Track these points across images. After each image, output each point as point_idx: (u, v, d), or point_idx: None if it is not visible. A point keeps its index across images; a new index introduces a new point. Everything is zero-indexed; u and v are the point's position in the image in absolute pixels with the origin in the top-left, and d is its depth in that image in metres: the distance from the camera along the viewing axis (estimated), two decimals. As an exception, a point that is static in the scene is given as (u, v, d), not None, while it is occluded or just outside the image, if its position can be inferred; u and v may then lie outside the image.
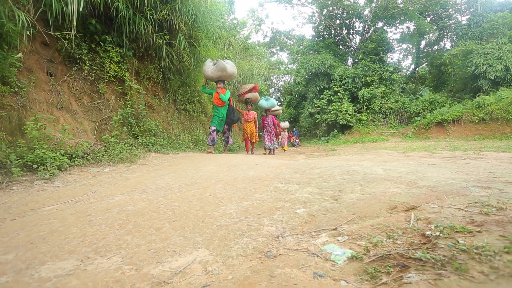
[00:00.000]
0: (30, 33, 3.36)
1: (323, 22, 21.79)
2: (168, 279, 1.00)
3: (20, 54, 3.31)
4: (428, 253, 0.93)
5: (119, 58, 4.71)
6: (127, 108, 4.64)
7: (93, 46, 4.45)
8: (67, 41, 3.98)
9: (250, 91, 7.39)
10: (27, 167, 2.67)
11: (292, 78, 24.96)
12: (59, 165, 2.81)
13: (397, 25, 21.24)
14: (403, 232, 1.14)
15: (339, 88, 17.69)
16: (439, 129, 13.28)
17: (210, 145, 5.78)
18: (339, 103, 17.25)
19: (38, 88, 3.59)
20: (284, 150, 12.82)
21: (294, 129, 23.25)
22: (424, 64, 23.41)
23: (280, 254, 1.13)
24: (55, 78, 3.92)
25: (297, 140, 19.07)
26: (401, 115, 16.88)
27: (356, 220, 1.37)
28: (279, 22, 46.39)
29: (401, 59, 24.77)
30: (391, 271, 0.89)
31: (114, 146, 3.70)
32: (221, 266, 1.06)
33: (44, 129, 3.09)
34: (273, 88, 29.68)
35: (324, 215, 1.46)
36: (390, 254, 0.98)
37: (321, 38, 22.27)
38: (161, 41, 5.31)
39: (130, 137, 4.44)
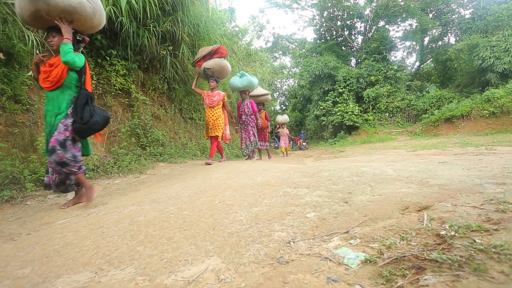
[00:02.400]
0: (39, 52, 3.47)
1: (324, 25, 21.85)
2: (181, 288, 1.00)
3: (30, 73, 3.41)
4: (444, 253, 0.91)
5: (124, 71, 4.81)
6: (135, 120, 4.72)
7: (99, 60, 4.55)
8: (74, 57, 4.08)
9: (209, 56, 4.74)
10: (40, 182, 2.73)
11: (296, 82, 25.04)
12: (70, 179, 2.85)
13: (399, 23, 21.12)
14: (417, 233, 1.12)
15: (343, 89, 17.62)
16: (448, 125, 13.04)
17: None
18: (344, 104, 17.16)
19: (48, 104, 3.68)
20: (283, 152, 11.33)
21: (301, 132, 23.21)
22: (429, 61, 23.13)
23: (292, 260, 1.12)
24: (64, 93, 4.01)
25: (304, 143, 19.01)
26: (408, 113, 16.67)
27: (368, 222, 1.35)
28: (280, 27, 46.81)
29: (405, 56, 24.56)
30: (407, 274, 0.87)
31: (123, 157, 3.76)
32: (233, 274, 1.06)
33: (55, 144, 3.15)
34: (277, 93, 29.76)
35: (335, 218, 1.45)
36: (404, 256, 0.96)
37: (323, 40, 22.32)
38: (164, 52, 5.40)
39: (138, 148, 4.51)
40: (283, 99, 31.23)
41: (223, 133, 4.84)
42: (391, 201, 1.52)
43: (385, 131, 16.02)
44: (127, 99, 4.86)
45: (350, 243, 1.18)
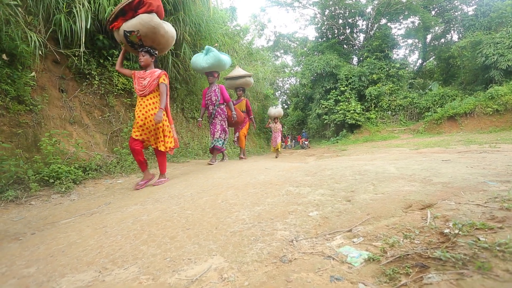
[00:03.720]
0: (42, 53, 3.49)
1: (325, 23, 21.79)
2: (185, 287, 1.00)
3: (33, 73, 3.43)
4: (447, 252, 0.90)
5: (127, 71, 4.82)
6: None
7: (101, 61, 4.57)
8: (76, 58, 4.11)
9: (132, 12, 2.91)
10: (44, 181, 2.75)
11: (298, 80, 24.97)
12: (74, 179, 2.88)
13: (401, 20, 21.01)
14: (420, 231, 1.12)
15: (345, 87, 17.57)
16: (451, 123, 12.97)
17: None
18: (346, 103, 17.11)
19: (51, 105, 3.70)
20: (277, 150, 9.41)
21: (303, 131, 23.17)
22: (432, 58, 22.99)
23: (295, 259, 1.12)
24: (67, 94, 4.04)
25: (306, 142, 19.00)
26: (411, 111, 16.59)
27: (370, 221, 1.34)
28: (282, 26, 46.65)
29: (407, 54, 24.43)
30: (410, 272, 0.86)
31: (126, 157, 3.78)
32: (236, 273, 1.06)
33: (59, 144, 3.18)
34: (279, 92, 29.72)
35: (338, 217, 1.44)
36: (408, 255, 0.96)
37: (324, 38, 22.25)
38: (166, 52, 5.40)
39: (141, 147, 4.52)
40: (285, 98, 31.20)
41: (167, 140, 3.04)
42: (394, 199, 1.52)
43: (388, 129, 15.97)
44: (129, 99, 4.87)
45: (353, 242, 1.18)
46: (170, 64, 5.58)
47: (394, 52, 19.09)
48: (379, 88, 16.74)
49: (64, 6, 3.88)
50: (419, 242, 1.04)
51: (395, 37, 20.18)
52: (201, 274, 1.08)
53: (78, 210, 2.25)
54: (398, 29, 22.09)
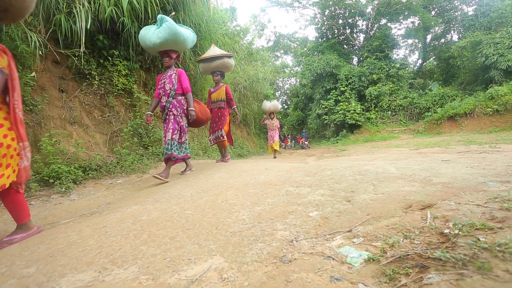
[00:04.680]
0: (42, 53, 3.49)
1: (325, 23, 21.81)
2: (184, 287, 1.00)
3: (33, 74, 3.44)
4: (447, 252, 0.90)
5: (126, 71, 4.83)
6: (137, 120, 4.74)
7: (101, 61, 4.57)
8: (76, 58, 4.11)
9: None
10: (43, 182, 2.75)
11: (298, 81, 24.99)
12: (74, 179, 2.88)
13: (401, 20, 21.02)
14: (420, 232, 1.12)
15: (345, 87, 17.58)
16: (451, 123, 12.98)
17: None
18: (346, 103, 17.13)
19: (51, 105, 3.70)
20: (275, 150, 8.29)
21: (303, 131, 23.19)
22: (432, 58, 23.00)
23: (295, 259, 1.12)
24: (67, 94, 4.04)
25: (306, 142, 19.01)
26: (411, 111, 16.60)
27: (370, 221, 1.34)
28: (282, 26, 46.62)
29: (407, 54, 24.44)
30: (410, 272, 0.86)
31: (125, 157, 3.78)
32: (236, 273, 1.06)
33: (59, 144, 3.18)
34: (279, 92, 29.73)
35: (338, 217, 1.44)
36: (408, 255, 0.96)
37: (324, 38, 22.27)
38: (166, 52, 5.40)
39: (140, 147, 4.53)
40: (285, 98, 31.20)
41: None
42: (394, 200, 1.52)
43: (388, 129, 15.98)
44: (129, 99, 4.87)
45: (353, 242, 1.18)
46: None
47: (394, 52, 19.12)
48: (379, 88, 16.75)
49: (64, 7, 3.88)
50: (419, 242, 1.04)
51: (395, 37, 20.20)
52: (201, 274, 1.08)
53: (78, 210, 2.25)
54: (398, 29, 22.11)
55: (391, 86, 17.07)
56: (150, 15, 4.81)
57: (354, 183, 2.02)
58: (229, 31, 10.96)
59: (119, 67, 4.70)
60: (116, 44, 4.86)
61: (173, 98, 3.31)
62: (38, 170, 2.76)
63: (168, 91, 3.34)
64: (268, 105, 8.39)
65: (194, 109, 3.33)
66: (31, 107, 3.30)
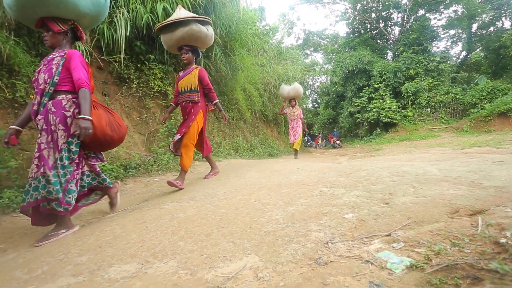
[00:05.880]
0: (88, 60, 3.79)
1: (357, 18, 21.00)
2: (221, 284, 1.03)
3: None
4: (506, 264, 0.83)
5: (162, 74, 5.07)
6: (171, 120, 4.95)
7: (139, 65, 4.85)
8: (117, 64, 4.40)
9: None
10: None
11: (329, 78, 24.38)
12: (116, 176, 3.09)
13: (442, 10, 19.48)
14: (471, 240, 1.03)
15: (379, 84, 16.79)
16: (502, 120, 11.79)
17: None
18: (380, 100, 16.35)
19: (96, 108, 4.01)
20: (294, 148, 6.74)
21: (335, 130, 22.59)
22: (478, 49, 21.01)
23: (331, 261, 1.10)
24: (109, 97, 4.35)
25: (337, 142, 18.50)
26: (454, 108, 15.37)
27: (411, 225, 1.27)
28: (311, 23, 45.87)
29: (449, 46, 22.51)
30: (460, 283, 0.80)
31: (161, 156, 3.97)
32: (271, 273, 1.07)
33: (103, 144, 3.43)
34: (309, 90, 29.23)
35: (375, 220, 1.39)
36: (457, 264, 0.89)
37: (356, 34, 21.46)
38: (198, 54, 5.59)
39: (175, 147, 4.74)
40: (315, 96, 30.63)
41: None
42: (438, 204, 1.42)
43: (427, 127, 14.97)
44: (164, 101, 5.11)
45: (393, 247, 1.13)
46: (202, 65, 5.75)
47: (433, 45, 17.84)
48: (417, 84, 15.75)
49: (107, 17, 4.17)
50: (469, 251, 0.96)
51: (435, 28, 18.80)
52: (236, 272, 1.10)
53: (121, 206, 2.41)
54: (438, 19, 20.48)
55: (430, 81, 15.96)
56: (183, 19, 5.00)
57: (391, 185, 1.92)
58: (258, 31, 11.01)
59: (155, 70, 4.95)
60: (151, 49, 5.12)
61: (48, 98, 1.87)
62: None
63: (42, 86, 1.84)
64: (286, 89, 6.77)
65: (85, 116, 1.77)
66: (79, 110, 3.60)
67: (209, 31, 3.07)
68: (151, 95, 4.90)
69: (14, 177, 2.63)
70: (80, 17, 1.95)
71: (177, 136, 2.97)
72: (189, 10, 5.08)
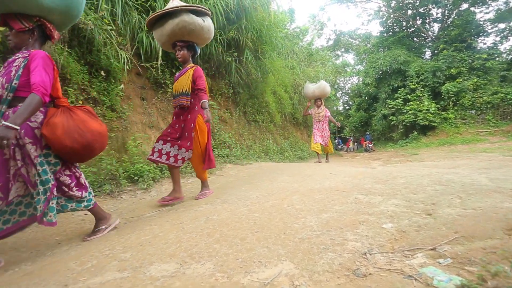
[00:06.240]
0: (129, 67, 4.05)
1: (391, 16, 20.09)
2: (258, 289, 1.04)
3: (122, 85, 4.01)
4: None
5: (195, 79, 5.26)
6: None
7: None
8: (154, 70, 4.65)
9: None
10: (130, 178, 3.19)
11: (361, 80, 23.56)
12: (153, 177, 3.26)
13: (489, 2, 17.87)
14: (533, 260, 0.94)
15: (416, 85, 15.86)
16: (562, 123, 10.53)
17: None
18: (417, 102, 15.44)
19: (135, 112, 4.26)
20: (318, 153, 6.32)
21: (367, 133, 21.75)
22: (533, 45, 18.96)
23: (370, 274, 1.06)
24: (146, 101, 4.60)
25: (370, 145, 17.77)
26: (504, 109, 14.03)
27: (460, 240, 1.18)
28: (342, 23, 44.72)
29: (498, 42, 20.61)
30: (522, 309, 0.73)
31: (194, 159, 4.11)
32: (307, 281, 1.06)
33: (141, 146, 3.64)
34: (340, 92, 28.46)
35: (417, 232, 1.31)
36: (517, 287, 0.81)
37: (390, 33, 20.51)
38: (230, 59, 5.72)
39: (207, 149, 4.89)
40: (346, 98, 29.74)
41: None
42: (491, 218, 1.31)
43: (471, 131, 13.81)
44: (197, 105, 5.31)
45: (439, 263, 1.06)
46: (233, 70, 5.88)
47: (479, 41, 16.46)
48: (459, 84, 14.62)
49: (145, 26, 4.43)
50: (532, 273, 0.87)
51: (481, 23, 17.31)
52: (272, 278, 1.10)
53: (157, 206, 2.53)
54: (485, 13, 18.77)
55: (475, 80, 14.73)
56: (215, 25, 5.15)
57: (434, 194, 1.81)
58: (289, 33, 10.98)
59: (188, 75, 5.15)
60: (186, 54, 5.34)
61: (6, 105, 1.65)
62: (126, 169, 3.22)
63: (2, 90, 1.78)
64: (311, 88, 6.27)
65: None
66: (120, 114, 3.85)
67: (205, 22, 2.61)
68: (185, 99, 5.10)
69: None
70: (45, 13, 1.70)
71: (182, 152, 2.63)
72: (221, 15, 5.23)
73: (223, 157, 4.88)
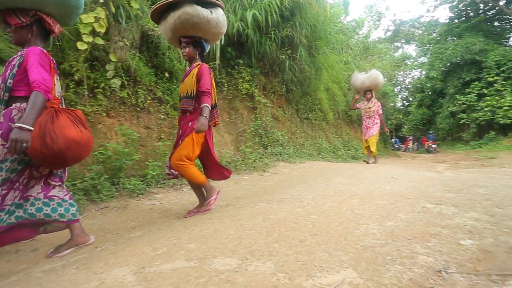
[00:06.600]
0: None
1: (465, -2, 17.59)
2: (321, 295, 1.03)
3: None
4: None
5: (249, 77, 5.40)
6: (257, 121, 5.24)
7: (229, 70, 5.28)
8: (212, 70, 4.89)
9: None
10: (190, 173, 3.43)
11: (423, 73, 21.35)
12: (211, 172, 3.46)
13: None
14: None
15: (496, 77, 13.75)
16: None
17: None
18: (496, 97, 13.38)
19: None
20: (370, 151, 5.69)
21: (430, 132, 19.67)
22: None
23: (449, 295, 0.97)
24: (204, 100, 4.88)
25: (433, 146, 16.05)
26: None
27: None
28: (403, 12, 40.77)
29: None
30: None
31: (249, 155, 4.25)
32: (375, 294, 1.01)
33: (199, 142, 3.89)
34: (398, 87, 26.18)
35: (508, 255, 1.15)
36: None
37: (463, 18, 18.03)
38: (283, 57, 5.71)
39: (261, 147, 5.00)
40: (405, 94, 27.24)
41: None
42: None
43: None
44: (251, 103, 5.45)
45: (538, 293, 0.92)
46: (287, 67, 5.87)
47: None
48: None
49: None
50: None
51: None
52: (335, 285, 1.09)
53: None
54: None
55: None
56: (270, 23, 5.19)
57: (527, 210, 1.56)
58: (343, 27, 10.47)
59: (243, 74, 5.31)
60: (240, 53, 5.50)
61: (3, 105, 1.65)
62: (186, 163, 3.48)
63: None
64: (360, 77, 5.56)
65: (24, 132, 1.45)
66: (182, 112, 4.16)
67: (213, 14, 2.23)
68: (240, 97, 5.28)
69: (136, 168, 3.24)
70: (39, 5, 1.62)
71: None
72: (275, 13, 5.24)
73: (276, 155, 4.94)
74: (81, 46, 2.86)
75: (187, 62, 2.46)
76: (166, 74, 4.12)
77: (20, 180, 1.61)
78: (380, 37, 23.60)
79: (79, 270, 1.49)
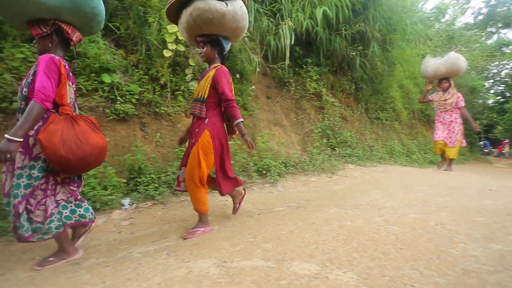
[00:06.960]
0: (259, 69, 4.45)
1: None
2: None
3: (253, 86, 4.46)
4: None
5: (317, 76, 5.27)
6: (325, 121, 5.09)
7: (296, 69, 5.24)
8: (280, 69, 4.93)
9: None
10: (259, 172, 3.53)
11: (528, 62, 17.56)
12: (278, 172, 3.51)
13: None
14: None
15: None
16: None
17: None
18: None
19: (261, 110, 4.66)
20: (441, 156, 5.04)
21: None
22: None
23: None
24: (271, 100, 4.95)
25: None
26: None
27: None
28: (501, -11, 34.04)
29: None
30: None
31: (316, 157, 4.17)
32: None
33: (267, 142, 3.96)
34: (491, 81, 22.06)
35: None
36: None
37: None
38: (354, 53, 5.40)
39: (328, 148, 4.84)
40: (501, 88, 22.76)
41: None
42: None
43: None
44: (318, 102, 5.32)
45: None
46: (357, 64, 5.54)
47: None
48: None
49: (273, 29, 4.74)
50: None
51: None
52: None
53: (285, 201, 2.71)
54: None
55: None
56: (340, 19, 4.96)
57: None
58: (423, 16, 9.32)
59: (311, 73, 5.21)
60: (308, 52, 5.39)
61: (22, 106, 1.69)
62: (256, 162, 3.59)
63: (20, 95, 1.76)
64: (433, 63, 4.63)
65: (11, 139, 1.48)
66: (251, 112, 4.31)
67: (229, 7, 1.96)
68: (307, 97, 5.21)
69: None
70: (55, 13, 1.63)
71: (180, 172, 2.25)
72: (347, 8, 4.97)
73: (344, 156, 4.72)
74: (166, 53, 3.24)
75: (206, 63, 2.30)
76: (237, 76, 4.32)
77: (50, 187, 1.68)
78: (468, 23, 20.22)
79: (169, 256, 1.69)
